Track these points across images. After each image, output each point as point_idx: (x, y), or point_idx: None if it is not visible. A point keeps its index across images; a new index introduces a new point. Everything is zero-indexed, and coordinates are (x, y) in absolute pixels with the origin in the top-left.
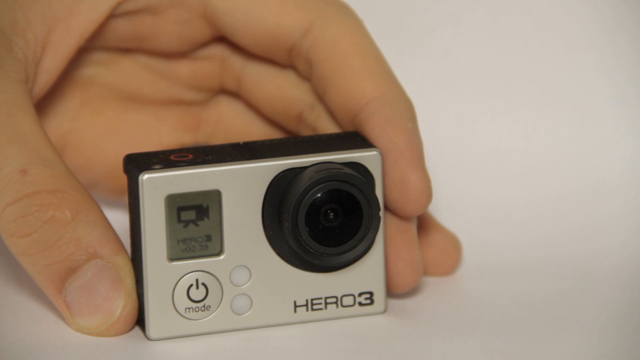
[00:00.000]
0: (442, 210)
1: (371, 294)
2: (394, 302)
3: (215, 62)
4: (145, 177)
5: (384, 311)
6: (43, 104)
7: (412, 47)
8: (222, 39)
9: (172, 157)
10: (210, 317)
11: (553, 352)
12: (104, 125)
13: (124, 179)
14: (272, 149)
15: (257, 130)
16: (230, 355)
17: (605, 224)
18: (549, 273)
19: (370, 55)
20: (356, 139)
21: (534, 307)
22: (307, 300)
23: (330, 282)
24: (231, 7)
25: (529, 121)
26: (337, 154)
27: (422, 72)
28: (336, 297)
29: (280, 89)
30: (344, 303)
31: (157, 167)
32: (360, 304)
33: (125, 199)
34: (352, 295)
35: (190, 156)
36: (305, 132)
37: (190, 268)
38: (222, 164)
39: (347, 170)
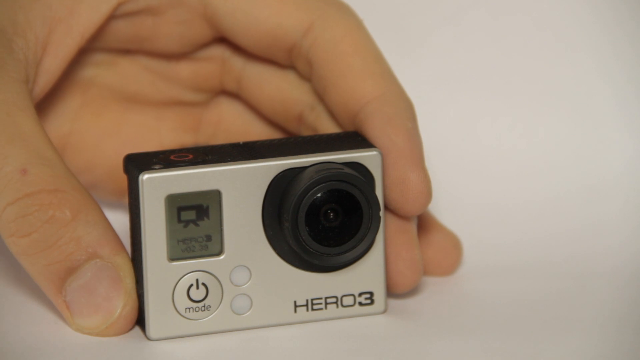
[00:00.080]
0: (442, 210)
1: (371, 294)
2: (394, 302)
3: (216, 63)
4: (145, 177)
5: (384, 311)
6: (43, 105)
7: (412, 47)
8: (222, 39)
9: (172, 157)
10: (210, 317)
11: (553, 352)
12: (105, 126)
13: (124, 180)
14: (272, 149)
15: (258, 131)
16: (230, 355)
17: (605, 224)
18: (549, 273)
19: (370, 55)
20: (356, 139)
21: (534, 307)
22: (307, 300)
23: (330, 282)
24: (231, 8)
25: (529, 121)
26: (337, 154)
27: (422, 72)
28: (336, 297)
29: (280, 89)
30: (344, 303)
31: (157, 167)
32: (360, 304)
33: (126, 200)
34: (352, 295)
35: (190, 156)
36: (306, 132)
37: (190, 268)
38: (222, 164)
39: (347, 170)
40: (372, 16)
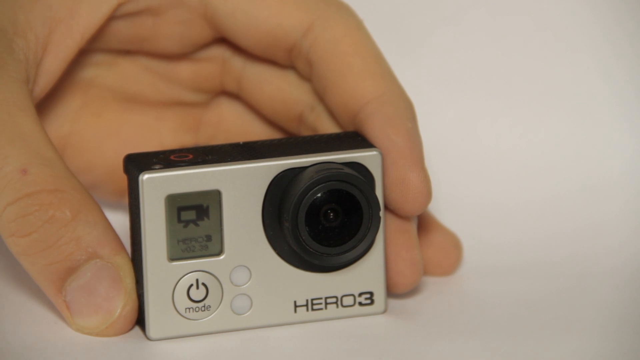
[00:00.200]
0: (442, 210)
1: (371, 294)
2: (394, 302)
3: (216, 63)
4: (145, 177)
5: (384, 311)
6: (44, 106)
7: (412, 47)
8: (222, 40)
9: (172, 157)
10: (210, 317)
11: (553, 352)
12: (105, 126)
13: (124, 180)
14: (272, 149)
15: (258, 132)
16: (230, 355)
17: (605, 224)
18: (549, 273)
19: (370, 55)
20: (356, 139)
21: (534, 307)
22: (307, 300)
23: (330, 282)
24: (231, 8)
25: (529, 121)
26: (337, 154)
27: (422, 72)
28: (336, 297)
29: (280, 90)
30: (344, 303)
31: (157, 167)
32: (360, 304)
33: (126, 200)
34: (352, 295)
35: (190, 156)
36: (306, 132)
37: (190, 268)
38: (222, 164)
39: (347, 170)
40: (372, 16)
